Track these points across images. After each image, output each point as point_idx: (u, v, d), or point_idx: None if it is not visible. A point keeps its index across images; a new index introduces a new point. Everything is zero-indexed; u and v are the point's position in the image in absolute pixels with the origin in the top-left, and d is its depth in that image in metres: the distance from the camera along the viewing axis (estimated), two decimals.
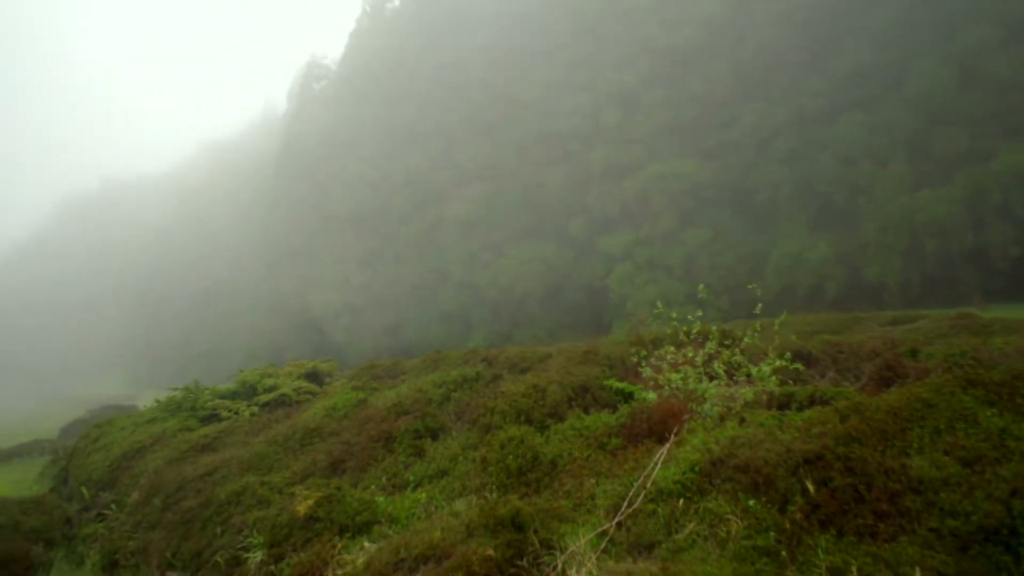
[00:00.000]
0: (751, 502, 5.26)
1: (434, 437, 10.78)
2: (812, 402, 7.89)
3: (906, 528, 4.49)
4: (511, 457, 8.12)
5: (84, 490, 13.99)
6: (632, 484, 6.37)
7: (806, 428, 6.09)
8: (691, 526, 5.39)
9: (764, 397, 8.51)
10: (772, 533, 4.83)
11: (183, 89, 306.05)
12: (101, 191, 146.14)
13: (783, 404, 8.15)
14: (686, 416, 8.00)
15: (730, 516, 5.23)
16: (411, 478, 9.37)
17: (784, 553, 4.60)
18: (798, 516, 4.86)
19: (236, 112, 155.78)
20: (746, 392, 8.87)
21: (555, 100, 58.55)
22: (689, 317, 10.30)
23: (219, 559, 8.42)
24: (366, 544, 7.19)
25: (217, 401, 17.26)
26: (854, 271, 40.08)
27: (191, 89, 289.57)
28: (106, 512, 12.21)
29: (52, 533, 11.73)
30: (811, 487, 5.01)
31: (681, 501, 5.76)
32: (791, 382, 9.43)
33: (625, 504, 6.06)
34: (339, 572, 6.58)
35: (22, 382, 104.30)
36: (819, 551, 4.47)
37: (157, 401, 18.66)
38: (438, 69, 68.76)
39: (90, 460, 15.24)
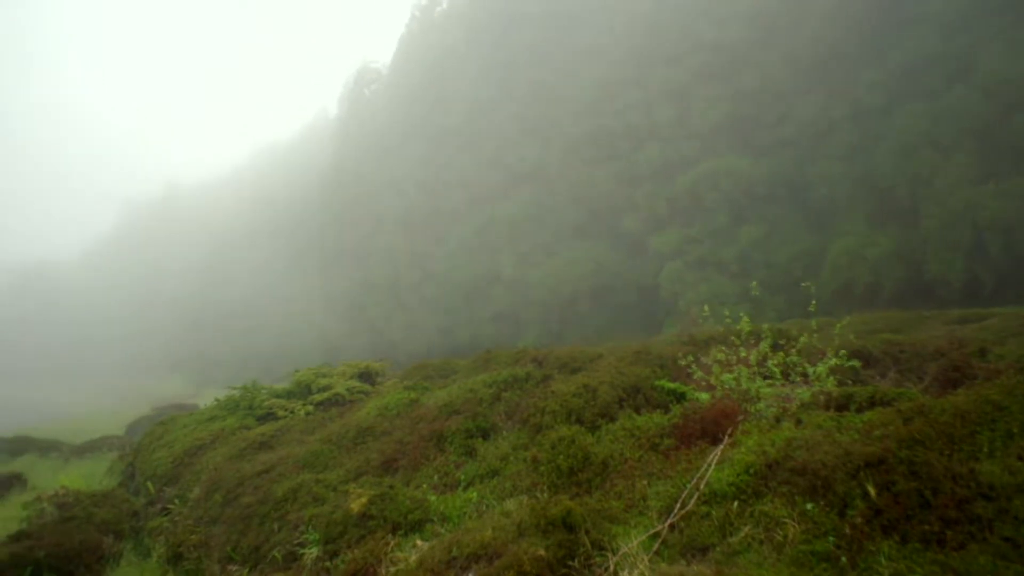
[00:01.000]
0: (809, 506, 5.11)
1: (485, 437, 10.82)
2: (873, 403, 7.63)
3: (976, 536, 4.29)
4: (562, 457, 8.10)
5: (149, 485, 14.49)
6: (685, 486, 6.28)
7: (866, 430, 5.90)
8: (746, 529, 5.28)
9: (821, 398, 8.27)
10: (831, 538, 4.69)
11: (241, 96, 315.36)
12: (161, 198, 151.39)
13: (842, 405, 7.90)
14: (740, 417, 7.84)
15: (787, 520, 5.10)
16: (462, 477, 9.42)
17: (844, 559, 4.46)
18: (859, 521, 4.71)
19: (290, 117, 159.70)
20: (803, 393, 8.65)
21: (605, 98, 58.12)
22: (741, 315, 10.09)
23: (276, 554, 8.61)
24: (418, 542, 7.27)
25: (273, 400, 17.63)
26: (916, 268, 38.59)
27: (248, 95, 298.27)
28: (170, 507, 12.63)
29: (121, 526, 12.18)
30: (872, 491, 4.84)
31: (736, 503, 5.64)
32: (850, 383, 9.15)
33: (678, 506, 5.97)
34: (392, 569, 6.65)
35: (89, 382, 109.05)
36: (881, 558, 4.32)
37: (216, 400, 19.14)
38: (486, 70, 69.10)
39: (154, 456, 15.78)
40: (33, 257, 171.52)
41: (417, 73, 78.43)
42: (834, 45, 46.51)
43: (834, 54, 46.59)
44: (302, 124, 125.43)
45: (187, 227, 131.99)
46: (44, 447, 25.29)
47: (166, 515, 12.36)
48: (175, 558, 10.32)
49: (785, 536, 4.96)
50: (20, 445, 25.27)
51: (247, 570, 8.83)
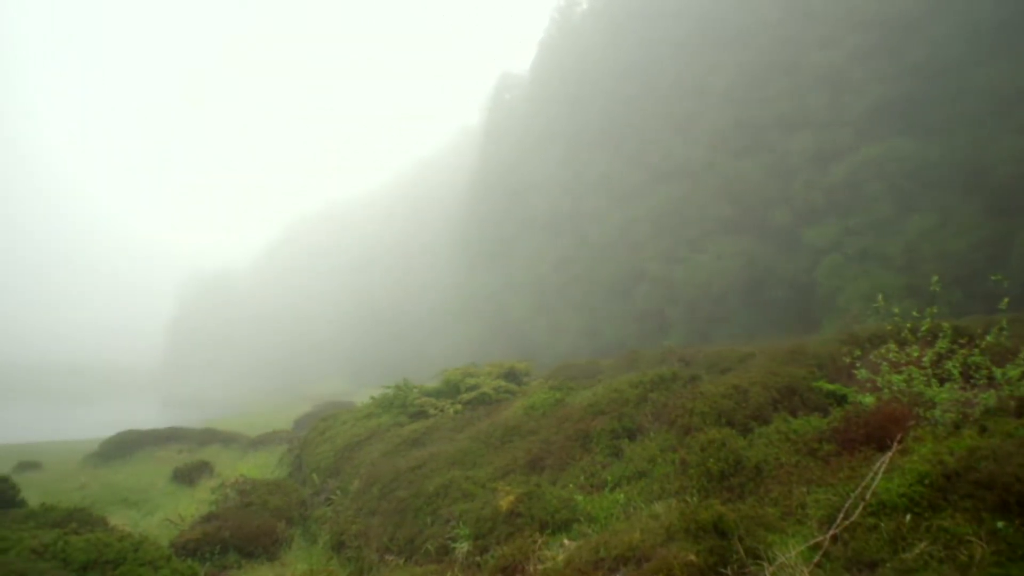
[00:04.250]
0: (1000, 524, 4.58)
1: (631, 437, 10.68)
2: None
3: None
4: (712, 460, 7.83)
5: (314, 476, 15.65)
6: (848, 494, 5.84)
7: None
8: (922, 545, 4.81)
9: (1012, 403, 7.38)
10: None
11: (393, 114, 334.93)
12: (321, 211, 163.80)
13: None
14: (911, 422, 7.18)
15: (972, 538, 4.60)
16: (609, 478, 9.36)
17: None
18: None
19: (436, 128, 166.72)
20: (987, 397, 7.77)
21: (751, 87, 55.35)
22: (914, 312, 9.23)
23: (430, 547, 8.98)
24: (566, 541, 7.31)
25: (424, 399, 18.37)
26: None
27: (399, 113, 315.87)
28: (332, 497, 13.57)
29: (291, 513, 13.28)
30: None
31: (908, 516, 5.16)
32: None
33: (841, 516, 5.57)
34: (540, 567, 6.73)
35: (261, 379, 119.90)
36: None
37: (372, 398, 20.24)
38: (627, 67, 68.21)
39: (319, 450, 17.03)
40: (215, 268, 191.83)
41: (557, 75, 79.04)
42: (1021, 4, 41.38)
43: (1020, 13, 41.45)
44: (448, 135, 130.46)
45: (340, 239, 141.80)
46: (226, 439, 28.08)
47: (329, 505, 13.31)
48: (338, 545, 11.10)
49: (971, 556, 4.47)
50: (207, 436, 28.22)
51: (403, 560, 9.29)
